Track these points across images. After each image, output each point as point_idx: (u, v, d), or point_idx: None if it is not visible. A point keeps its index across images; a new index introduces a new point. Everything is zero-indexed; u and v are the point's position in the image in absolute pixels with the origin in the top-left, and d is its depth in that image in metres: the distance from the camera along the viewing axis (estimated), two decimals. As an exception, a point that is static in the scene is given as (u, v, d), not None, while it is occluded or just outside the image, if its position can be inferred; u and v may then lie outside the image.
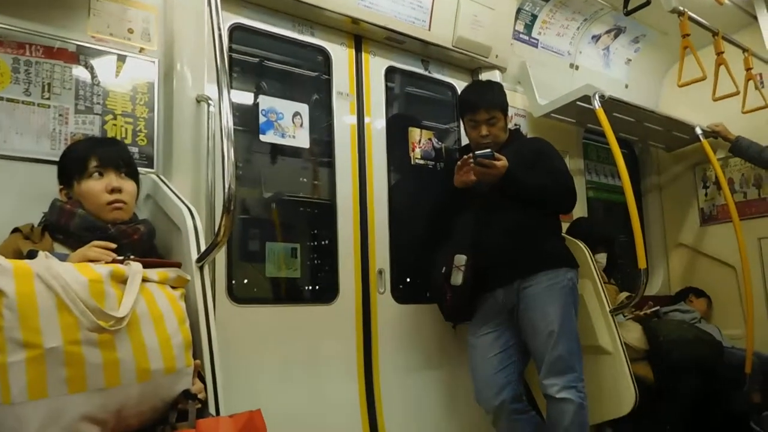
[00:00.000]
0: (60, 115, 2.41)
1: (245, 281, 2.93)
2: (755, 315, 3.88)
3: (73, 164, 2.01)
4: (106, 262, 1.69)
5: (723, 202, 4.43)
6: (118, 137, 2.50)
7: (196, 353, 1.85)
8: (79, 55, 2.48)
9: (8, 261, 1.45)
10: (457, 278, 2.87)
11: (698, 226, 4.75)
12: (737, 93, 3.86)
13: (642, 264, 3.17)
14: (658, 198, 5.01)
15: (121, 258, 1.71)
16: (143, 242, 2.01)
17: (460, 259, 2.88)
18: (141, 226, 2.05)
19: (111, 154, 2.03)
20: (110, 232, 1.90)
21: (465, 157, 2.78)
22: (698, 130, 4.23)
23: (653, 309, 3.75)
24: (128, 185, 2.04)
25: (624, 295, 3.60)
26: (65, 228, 1.93)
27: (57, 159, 2.28)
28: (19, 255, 1.80)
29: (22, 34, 2.36)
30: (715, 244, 4.60)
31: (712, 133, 4.32)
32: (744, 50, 3.99)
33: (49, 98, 2.39)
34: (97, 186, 1.97)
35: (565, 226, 3.45)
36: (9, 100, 2.31)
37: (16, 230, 1.97)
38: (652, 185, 5.03)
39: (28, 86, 2.35)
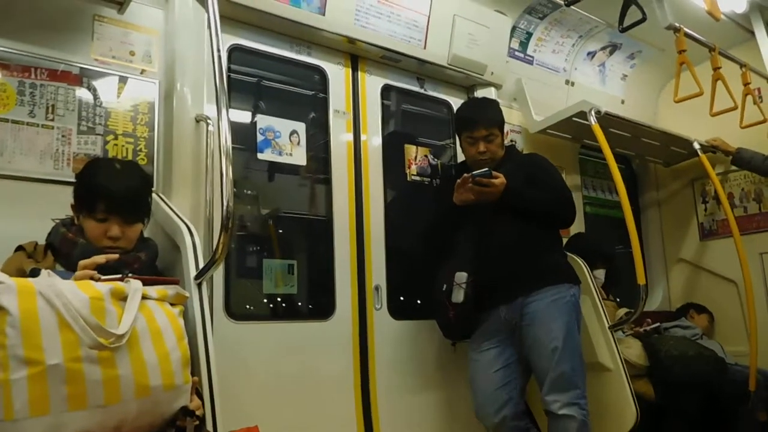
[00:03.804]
0: (63, 135, 2.46)
1: (243, 298, 2.94)
2: (758, 331, 3.83)
3: (82, 198, 2.02)
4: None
5: (723, 217, 4.42)
6: (119, 157, 2.54)
7: (194, 370, 1.85)
8: (82, 78, 2.54)
9: (12, 279, 1.46)
10: (459, 295, 2.86)
11: (698, 241, 4.74)
12: (735, 108, 3.86)
13: (641, 280, 3.16)
14: (657, 213, 5.01)
15: (120, 276, 1.73)
16: (144, 270, 2.00)
17: (461, 276, 2.88)
18: (142, 254, 2.06)
19: (120, 198, 2.00)
20: (110, 263, 1.87)
21: (465, 175, 2.79)
22: (696, 145, 4.23)
23: (653, 326, 3.72)
24: (131, 231, 2.04)
25: (623, 311, 3.58)
26: (67, 255, 1.95)
27: (60, 179, 2.37)
28: (22, 273, 1.83)
29: (27, 58, 2.42)
30: (715, 260, 4.58)
31: (711, 148, 4.32)
32: (741, 65, 4.01)
33: (53, 119, 2.44)
34: (97, 230, 1.98)
35: (564, 242, 3.46)
36: (14, 121, 2.36)
37: (19, 248, 2.00)
38: (650, 200, 5.04)
39: (32, 108, 2.41)
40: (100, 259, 1.78)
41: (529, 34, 4.12)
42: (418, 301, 3.33)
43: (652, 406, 3.31)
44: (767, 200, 4.40)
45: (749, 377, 3.66)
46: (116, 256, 1.85)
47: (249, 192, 3.11)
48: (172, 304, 1.80)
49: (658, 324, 3.81)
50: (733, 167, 4.39)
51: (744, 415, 3.65)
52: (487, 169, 2.77)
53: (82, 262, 1.77)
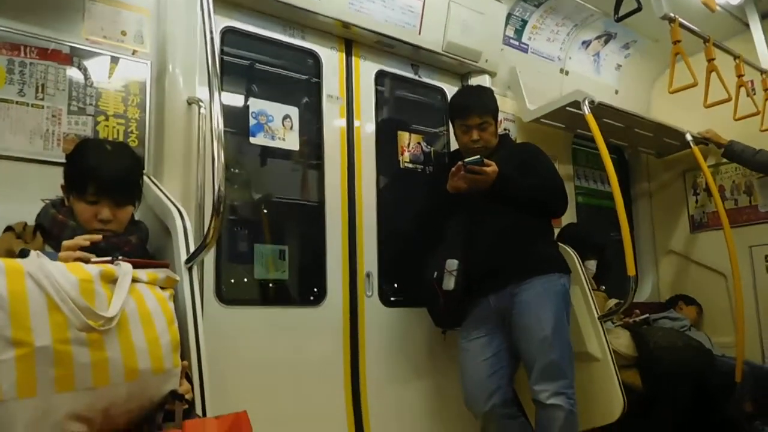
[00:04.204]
0: (53, 115, 2.44)
1: (233, 282, 2.94)
2: (745, 323, 3.86)
3: (73, 180, 2.00)
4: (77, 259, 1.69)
5: (713, 209, 4.41)
6: (110, 138, 2.52)
7: (184, 354, 1.86)
8: (72, 57, 2.52)
9: (1, 260, 1.45)
10: (449, 283, 2.86)
11: (688, 233, 4.76)
12: (729, 100, 3.84)
13: (631, 271, 3.16)
14: (648, 204, 5.02)
15: (110, 258, 1.71)
16: (135, 253, 1.99)
17: (452, 263, 2.88)
18: (133, 237, 2.05)
19: (111, 181, 1.98)
20: (100, 245, 1.86)
21: (459, 163, 2.78)
22: (688, 137, 4.24)
23: (642, 317, 3.74)
24: (122, 213, 2.02)
25: (613, 302, 3.60)
26: (57, 237, 1.92)
27: (50, 159, 2.35)
28: (11, 254, 1.81)
29: (17, 36, 2.40)
30: (705, 252, 4.60)
31: (703, 140, 4.33)
32: (735, 57, 4.00)
33: (42, 99, 2.43)
34: (88, 212, 1.97)
35: (555, 232, 3.46)
36: (3, 100, 2.35)
37: (8, 228, 1.98)
38: (642, 191, 5.05)
39: (22, 87, 2.39)
40: (84, 241, 1.77)
41: (524, 22, 4.10)
42: (410, 289, 3.32)
43: (639, 397, 3.32)
44: (758, 193, 4.41)
45: (736, 369, 3.69)
46: (99, 237, 1.83)
47: (241, 176, 3.10)
48: (162, 288, 1.80)
49: (647, 315, 3.82)
50: (725, 159, 4.39)
51: (730, 406, 3.67)
52: (479, 156, 2.76)
53: (65, 243, 1.77)
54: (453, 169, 2.79)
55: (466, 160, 2.74)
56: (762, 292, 4.24)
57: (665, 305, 4.51)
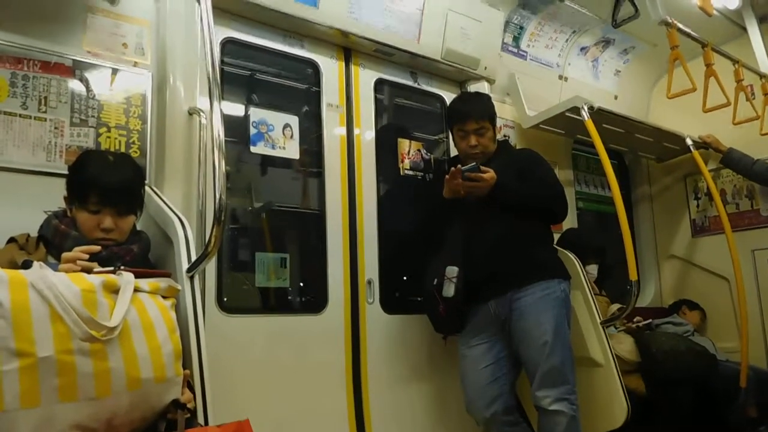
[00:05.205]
0: (56, 127, 2.45)
1: (235, 291, 2.94)
2: (749, 328, 3.85)
3: (75, 190, 2.02)
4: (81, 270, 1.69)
5: (715, 214, 4.42)
6: (112, 149, 2.54)
7: (186, 363, 1.85)
8: (74, 69, 2.53)
9: (4, 271, 1.46)
10: (449, 290, 2.86)
11: (690, 238, 4.75)
12: (728, 104, 3.86)
13: (633, 276, 3.16)
14: (649, 209, 5.02)
15: (112, 268, 1.72)
16: (136, 262, 1.99)
17: (452, 270, 2.88)
18: (134, 246, 2.06)
19: (113, 190, 2.00)
20: (102, 254, 1.87)
21: (453, 169, 2.79)
22: (689, 141, 4.24)
23: (645, 322, 3.72)
24: (123, 223, 2.04)
25: (615, 306, 3.58)
26: (59, 247, 1.93)
27: (53, 171, 2.36)
28: (14, 265, 1.82)
29: (20, 50, 2.41)
30: (707, 256, 4.59)
31: (703, 144, 4.33)
32: (734, 62, 4.00)
33: (45, 111, 2.44)
34: (90, 221, 1.98)
35: (555, 237, 3.46)
36: (6, 113, 2.35)
37: (11, 240, 1.99)
38: (642, 196, 5.04)
39: (25, 100, 2.40)
40: (83, 254, 1.78)
41: (522, 29, 4.12)
42: (411, 296, 3.33)
43: (643, 402, 3.32)
44: (759, 197, 4.40)
45: (740, 373, 3.68)
46: (98, 248, 1.84)
47: (242, 185, 3.10)
48: (164, 297, 1.80)
49: (650, 320, 3.81)
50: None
51: (734, 411, 3.66)
52: (474, 163, 2.78)
53: (64, 256, 1.77)
54: (448, 174, 2.81)
55: (463, 168, 2.75)
56: (766, 296, 4.23)
57: (668, 310, 4.50)
